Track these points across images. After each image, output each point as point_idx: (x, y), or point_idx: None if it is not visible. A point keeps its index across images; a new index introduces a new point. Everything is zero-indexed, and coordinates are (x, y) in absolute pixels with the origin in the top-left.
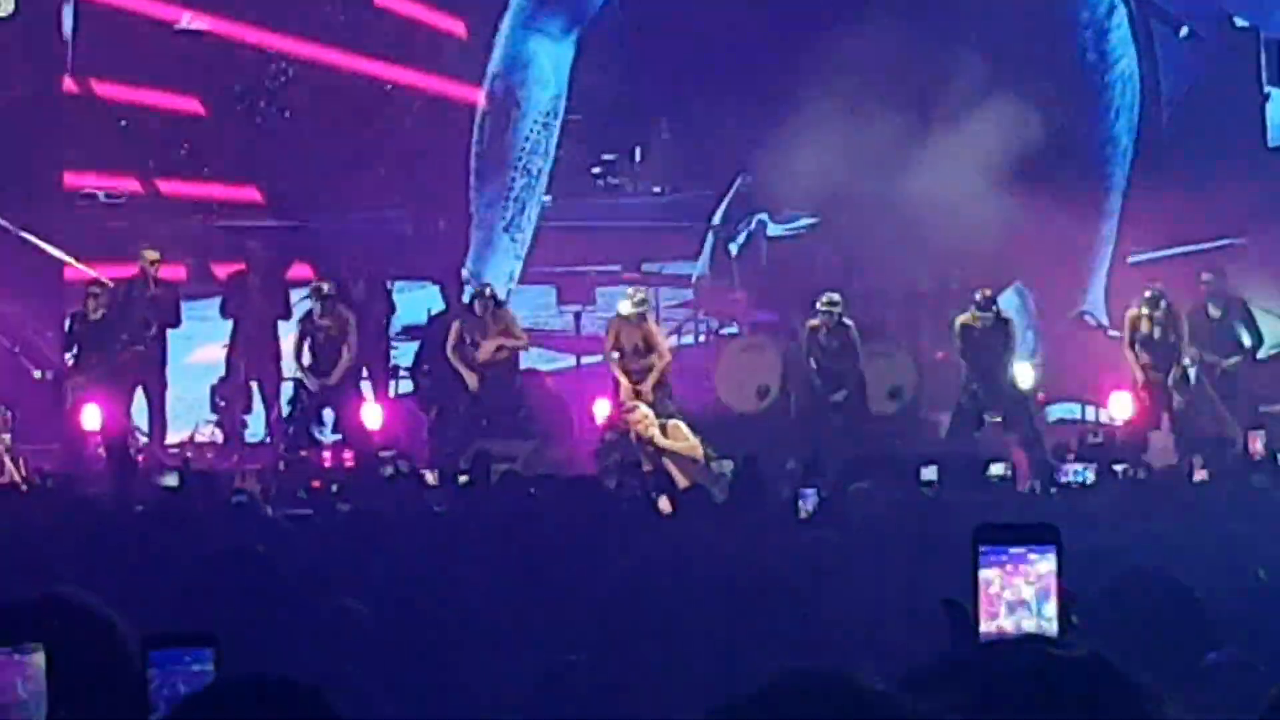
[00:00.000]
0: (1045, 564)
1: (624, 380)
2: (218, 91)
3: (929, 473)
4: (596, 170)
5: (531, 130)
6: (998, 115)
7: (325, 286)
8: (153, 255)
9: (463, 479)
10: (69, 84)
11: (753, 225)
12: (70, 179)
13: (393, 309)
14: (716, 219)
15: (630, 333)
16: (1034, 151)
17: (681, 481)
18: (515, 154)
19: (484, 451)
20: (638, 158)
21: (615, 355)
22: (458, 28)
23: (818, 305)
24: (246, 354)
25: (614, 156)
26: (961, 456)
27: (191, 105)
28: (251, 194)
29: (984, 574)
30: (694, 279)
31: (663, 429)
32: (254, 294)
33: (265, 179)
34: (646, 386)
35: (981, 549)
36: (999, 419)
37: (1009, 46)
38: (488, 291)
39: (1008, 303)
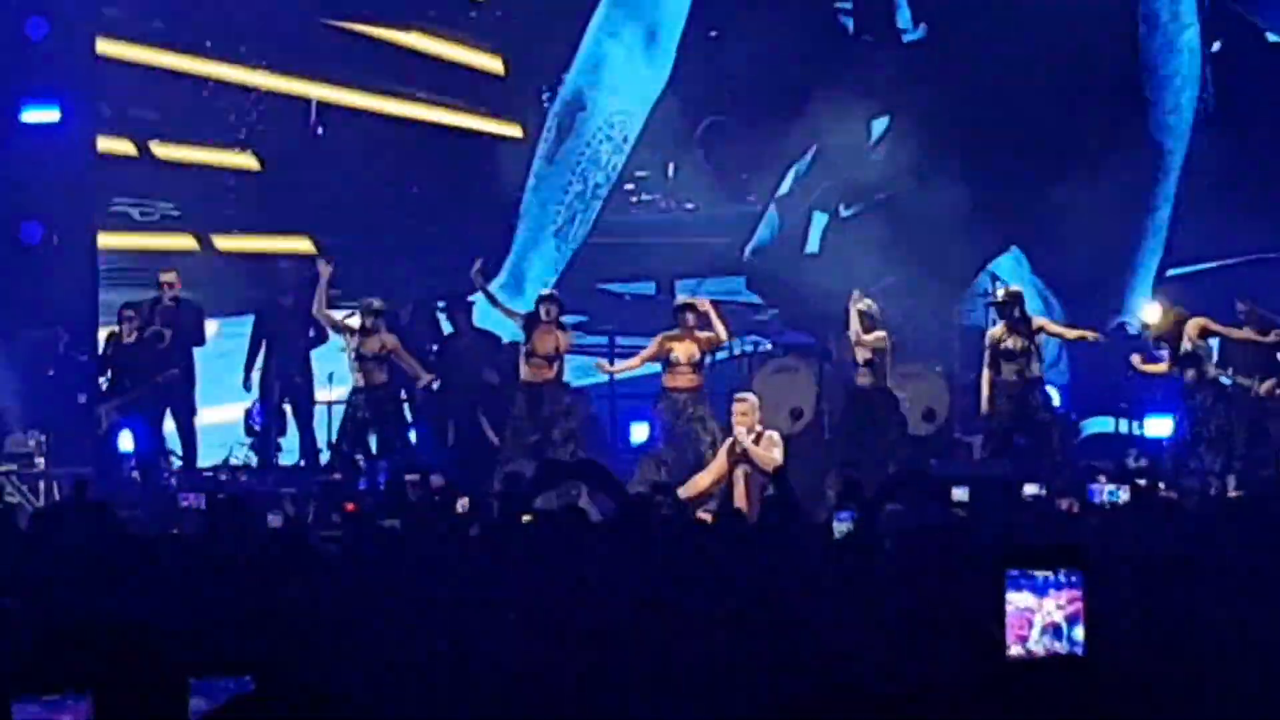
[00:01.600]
0: (1072, 588)
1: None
2: (271, 145)
3: (960, 493)
4: (630, 186)
5: (595, 137)
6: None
7: (376, 303)
8: (169, 276)
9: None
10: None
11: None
12: (115, 240)
13: (440, 334)
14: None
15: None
16: (1084, 156)
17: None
18: (575, 158)
19: (516, 474)
20: (670, 173)
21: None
22: (495, 65)
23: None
24: (280, 377)
25: (647, 173)
26: (995, 478)
27: (246, 160)
28: (304, 245)
29: (1012, 596)
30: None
31: (758, 438)
32: (287, 316)
33: (317, 228)
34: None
35: (1010, 573)
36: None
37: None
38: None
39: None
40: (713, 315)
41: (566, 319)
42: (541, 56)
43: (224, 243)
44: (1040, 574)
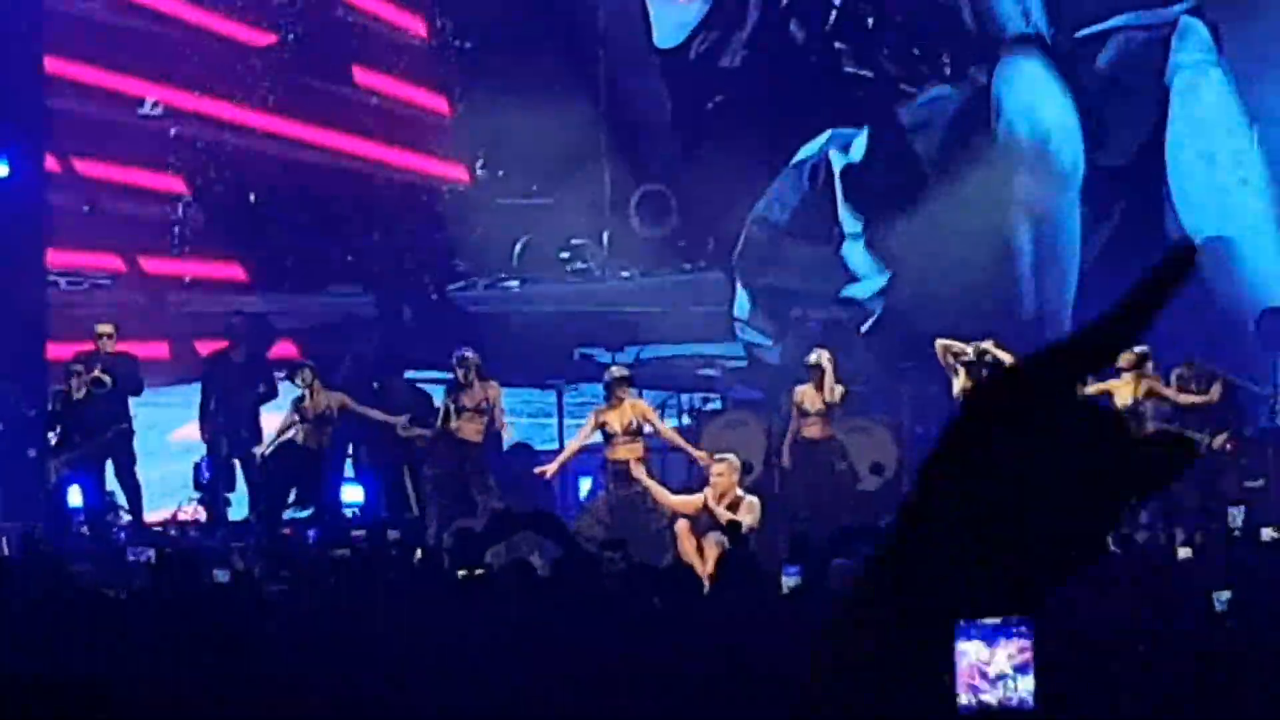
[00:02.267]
0: (1022, 638)
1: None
2: (201, 170)
3: None
4: (565, 255)
5: None
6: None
7: (308, 373)
8: (106, 329)
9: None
10: (50, 163)
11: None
12: (54, 257)
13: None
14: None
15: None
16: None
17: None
18: None
19: (466, 529)
20: (605, 242)
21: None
22: (441, 104)
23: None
24: (229, 431)
25: (583, 241)
26: None
27: (174, 184)
28: (234, 271)
29: (962, 646)
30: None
31: (736, 502)
32: (236, 370)
33: (247, 256)
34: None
35: (959, 622)
36: None
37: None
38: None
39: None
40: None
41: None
42: (489, 97)
43: (152, 265)
44: (990, 623)
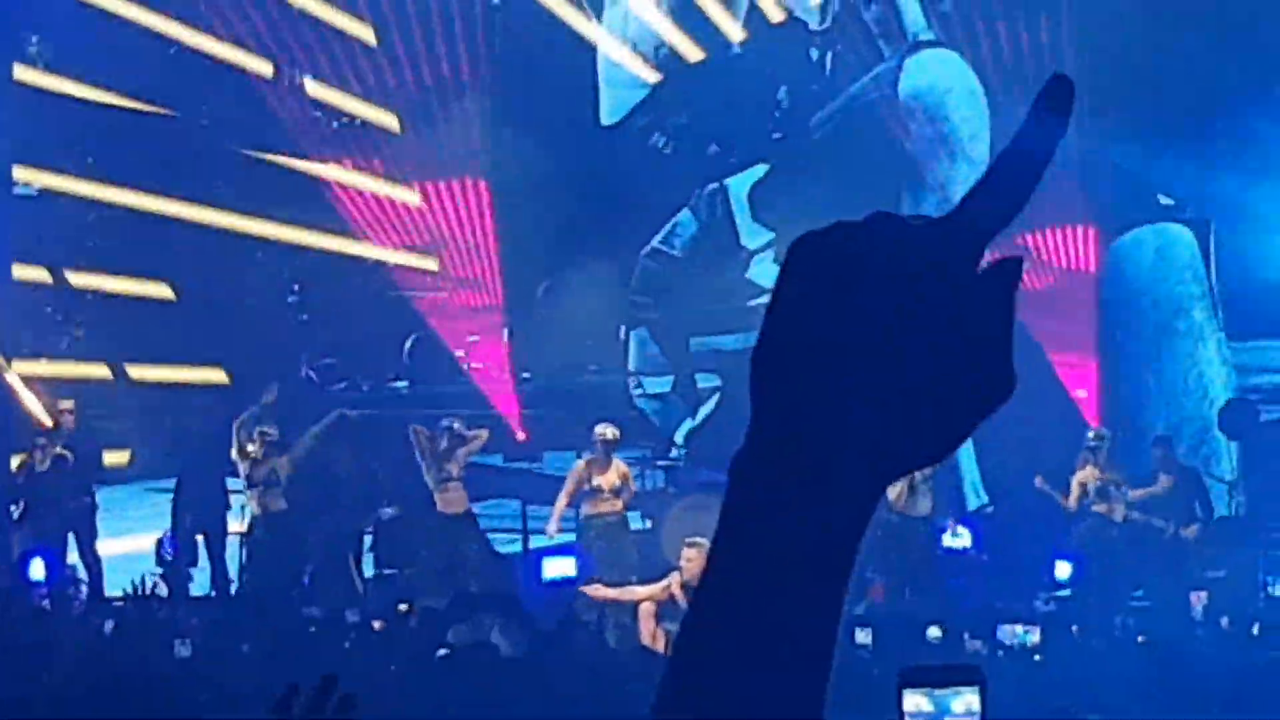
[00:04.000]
0: (969, 704)
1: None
2: (187, 275)
3: (863, 635)
4: (460, 353)
5: None
6: None
7: (272, 432)
8: (67, 404)
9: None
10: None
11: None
12: (20, 366)
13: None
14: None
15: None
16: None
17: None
18: None
19: (430, 608)
20: (505, 339)
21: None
22: (412, 196)
23: None
24: (192, 506)
25: (476, 338)
26: (899, 617)
27: (161, 290)
28: (218, 375)
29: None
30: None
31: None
32: (201, 445)
33: (229, 360)
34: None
35: (906, 692)
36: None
37: None
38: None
39: None
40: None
41: None
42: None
43: (139, 372)
44: (940, 693)
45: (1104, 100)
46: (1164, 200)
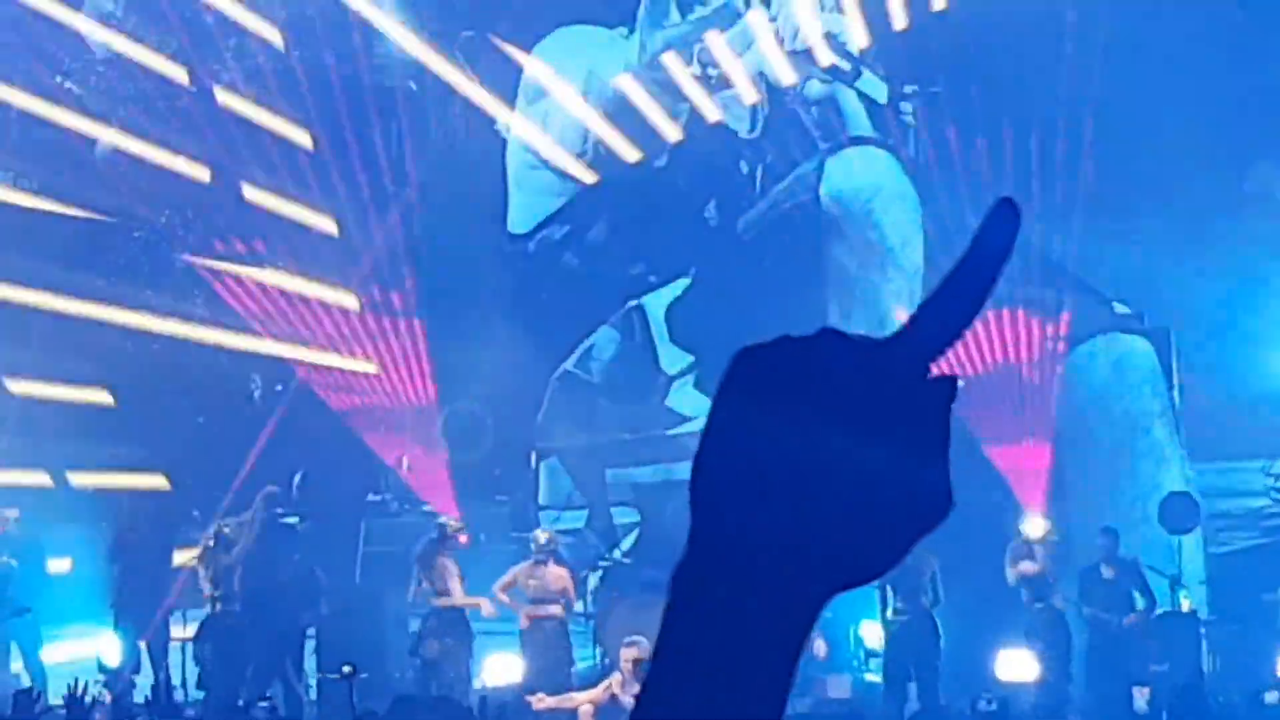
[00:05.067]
0: None
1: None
2: (125, 378)
3: None
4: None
5: None
6: None
7: (227, 527)
8: (12, 513)
9: None
10: None
11: None
12: None
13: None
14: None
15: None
16: None
17: None
18: None
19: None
20: (405, 466)
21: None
22: (352, 302)
23: None
24: (135, 613)
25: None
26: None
27: (100, 396)
28: (159, 482)
29: None
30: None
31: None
32: (140, 550)
33: (171, 468)
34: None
35: None
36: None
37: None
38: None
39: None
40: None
41: None
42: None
43: (80, 479)
44: None
45: (1066, 199)
46: (1120, 309)
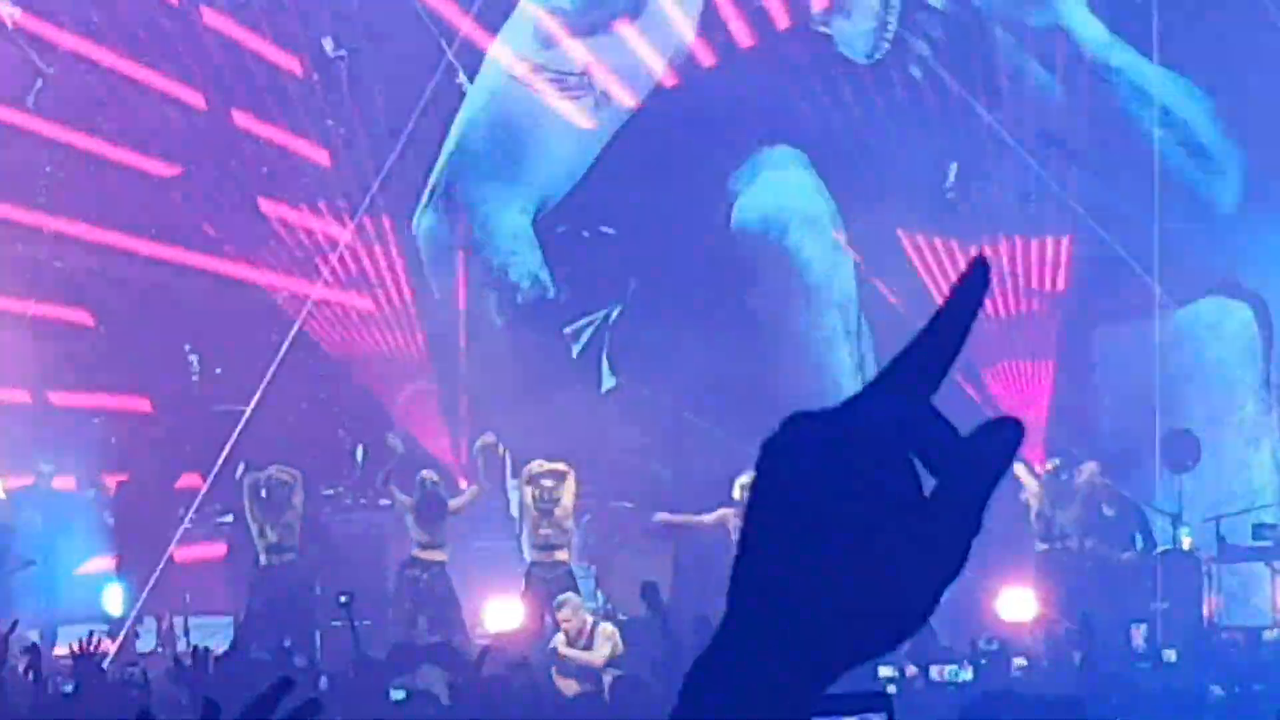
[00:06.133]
0: None
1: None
2: (107, 300)
3: None
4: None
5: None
6: None
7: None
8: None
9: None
10: None
11: None
12: None
13: None
14: None
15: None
16: None
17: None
18: None
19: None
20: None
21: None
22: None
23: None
24: (137, 561)
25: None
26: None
27: (80, 316)
28: (142, 404)
29: None
30: None
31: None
32: (143, 502)
33: (153, 388)
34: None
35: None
36: None
37: None
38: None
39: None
40: None
41: None
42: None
43: (60, 399)
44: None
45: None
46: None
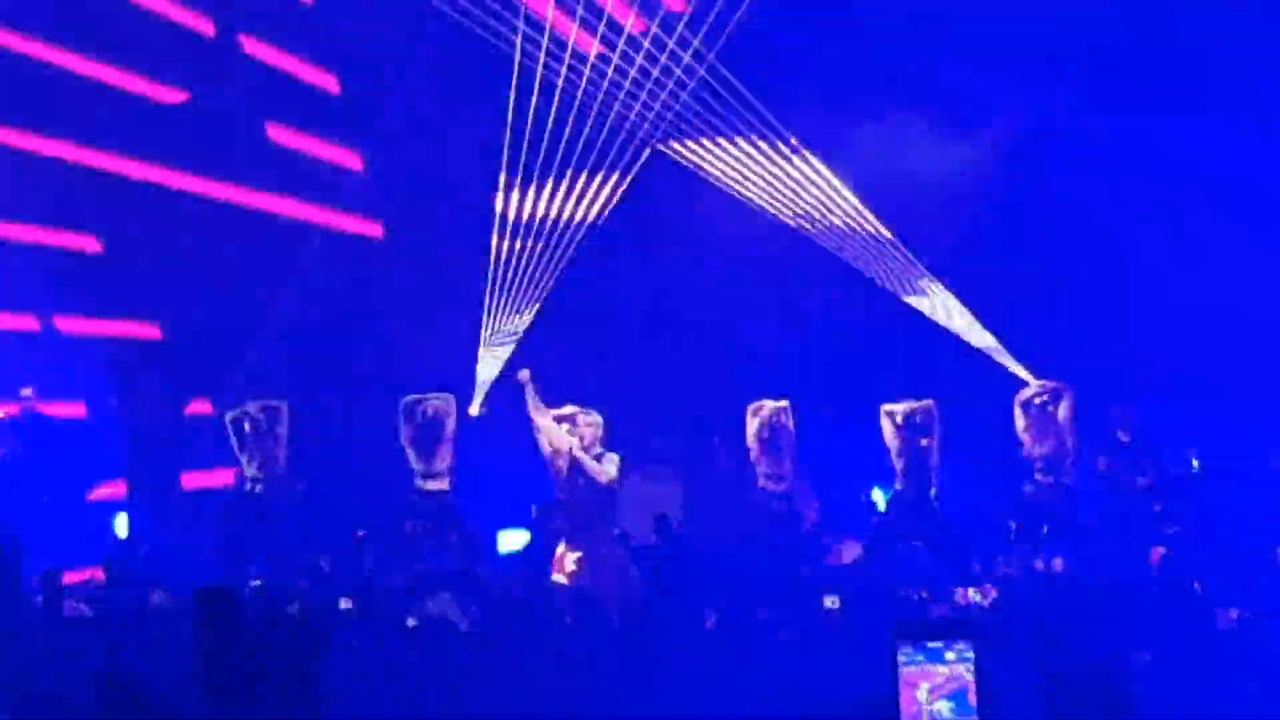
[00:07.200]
0: (963, 660)
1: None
2: (116, 228)
3: (830, 601)
4: None
5: None
6: None
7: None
8: (26, 390)
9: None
10: None
11: None
12: None
13: None
14: None
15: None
16: None
17: None
18: None
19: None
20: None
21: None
22: (354, 161)
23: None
24: (152, 489)
25: None
26: (873, 580)
27: (88, 243)
28: (151, 331)
29: (905, 669)
30: None
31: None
32: (154, 430)
33: (164, 316)
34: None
35: (902, 646)
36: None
37: None
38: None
39: None
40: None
41: None
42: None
43: (68, 324)
44: (932, 645)
45: None
46: None
